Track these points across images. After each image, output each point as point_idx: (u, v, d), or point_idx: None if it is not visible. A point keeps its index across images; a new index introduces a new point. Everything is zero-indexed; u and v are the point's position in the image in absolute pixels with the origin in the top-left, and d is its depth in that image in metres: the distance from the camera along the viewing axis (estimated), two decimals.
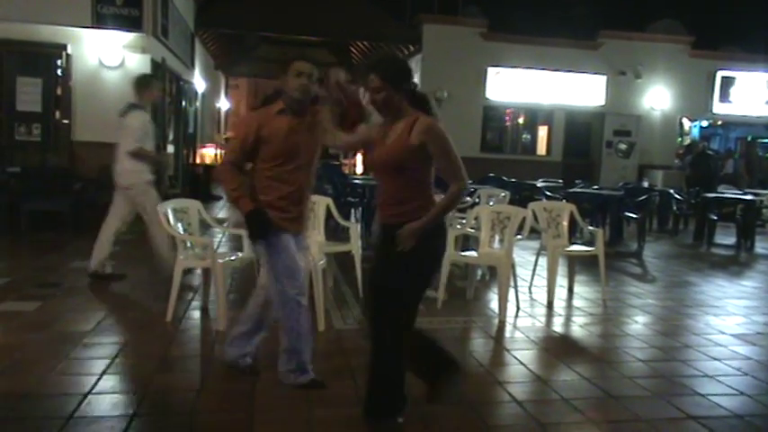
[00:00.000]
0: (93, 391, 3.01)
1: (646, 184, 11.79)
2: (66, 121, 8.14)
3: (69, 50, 8.07)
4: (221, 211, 10.76)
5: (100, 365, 3.35)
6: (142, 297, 4.81)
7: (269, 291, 3.07)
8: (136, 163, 5.09)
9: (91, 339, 3.77)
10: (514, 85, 13.58)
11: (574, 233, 6.75)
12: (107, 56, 8.19)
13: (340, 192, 8.43)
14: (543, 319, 4.74)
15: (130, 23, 8.03)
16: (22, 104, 8.02)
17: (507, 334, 4.33)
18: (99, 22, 7.90)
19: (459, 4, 14.17)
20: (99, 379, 3.17)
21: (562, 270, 5.71)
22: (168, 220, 4.14)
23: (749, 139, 16.85)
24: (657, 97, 14.26)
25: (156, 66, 8.75)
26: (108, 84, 8.27)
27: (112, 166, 5.31)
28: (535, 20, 14.40)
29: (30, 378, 3.14)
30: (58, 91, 8.15)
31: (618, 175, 13.41)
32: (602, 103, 14.01)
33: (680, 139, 15.72)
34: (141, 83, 5.23)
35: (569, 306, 5.19)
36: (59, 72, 8.12)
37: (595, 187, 10.46)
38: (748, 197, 9.30)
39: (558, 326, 4.65)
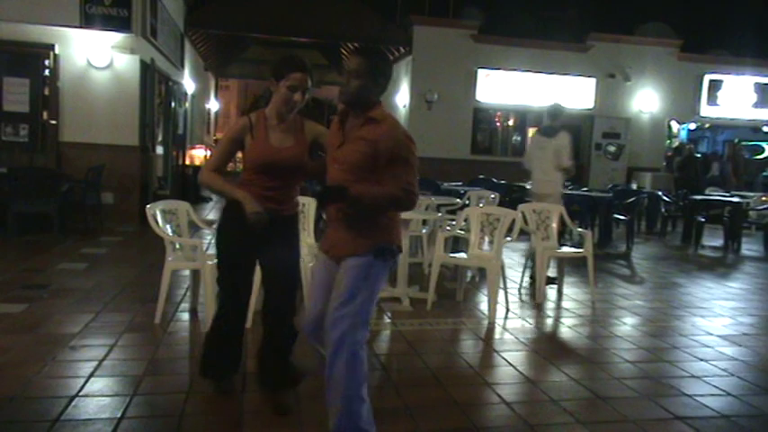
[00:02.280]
0: (81, 394, 2.99)
1: (634, 187, 11.88)
2: (53, 122, 8.08)
3: (57, 50, 8.01)
4: (210, 212, 10.72)
5: (87, 368, 3.32)
6: (130, 299, 4.77)
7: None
8: (559, 176, 5.83)
9: (78, 341, 3.74)
10: (504, 88, 13.63)
11: (563, 235, 6.79)
12: (95, 56, 8.14)
13: None
14: (532, 321, 4.76)
15: (119, 24, 7.98)
16: (8, 104, 7.94)
17: (496, 335, 4.35)
18: (87, 22, 7.84)
19: (450, 6, 14.21)
20: (86, 381, 3.14)
21: (551, 272, 5.74)
22: (157, 222, 4.12)
23: (736, 141, 17.04)
24: (646, 100, 14.37)
25: (145, 66, 8.70)
26: (96, 84, 8.22)
27: (537, 177, 5.98)
28: (525, 22, 14.46)
29: (16, 381, 3.11)
30: (46, 91, 8.09)
31: (607, 178, 13.49)
32: (592, 105, 14.09)
33: (668, 141, 15.86)
34: (558, 111, 6.02)
35: (558, 307, 5.21)
36: (47, 72, 8.05)
37: (584, 189, 10.52)
38: (735, 199, 9.40)
39: (547, 327, 4.68)
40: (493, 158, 13.86)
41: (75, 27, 7.87)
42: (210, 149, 16.91)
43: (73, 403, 2.88)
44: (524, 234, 5.37)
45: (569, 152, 5.78)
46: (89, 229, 7.69)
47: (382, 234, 2.46)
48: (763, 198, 10.57)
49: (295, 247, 2.95)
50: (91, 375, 3.22)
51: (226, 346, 2.98)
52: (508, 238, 4.86)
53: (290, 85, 2.67)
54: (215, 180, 2.77)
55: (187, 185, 11.57)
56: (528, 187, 6.15)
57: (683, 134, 17.67)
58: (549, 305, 5.22)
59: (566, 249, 5.68)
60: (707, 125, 16.85)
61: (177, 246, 4.32)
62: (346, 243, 2.45)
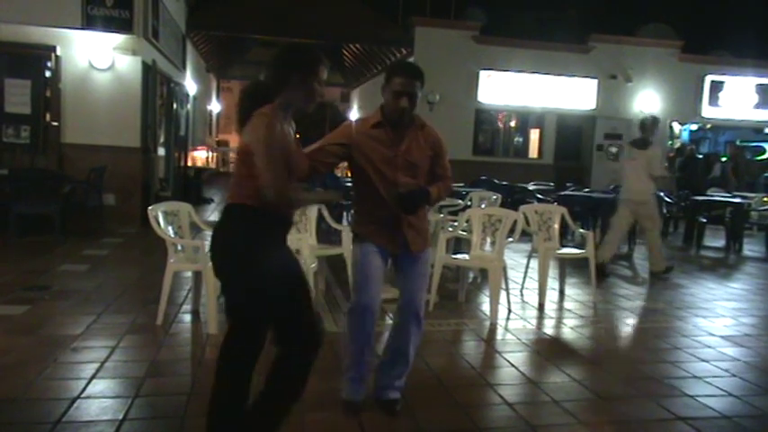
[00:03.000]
0: (82, 396, 2.99)
1: None
2: (55, 123, 8.09)
3: (59, 52, 8.02)
4: (212, 214, 10.73)
5: (89, 369, 3.32)
6: (132, 300, 4.78)
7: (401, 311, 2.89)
8: (651, 184, 6.46)
9: (80, 343, 3.74)
10: (506, 89, 13.63)
11: (565, 236, 6.79)
12: (97, 58, 8.15)
13: None
14: (534, 322, 4.75)
15: (121, 25, 7.98)
16: (10, 106, 7.96)
17: (498, 336, 4.35)
18: (89, 23, 7.85)
19: (452, 7, 14.23)
20: (88, 383, 3.14)
21: (553, 272, 5.73)
22: (159, 223, 4.12)
23: (737, 142, 17.01)
24: (647, 101, 14.36)
25: (147, 68, 8.72)
26: (98, 86, 8.22)
27: (629, 185, 6.60)
28: (526, 23, 14.49)
29: (17, 382, 3.11)
30: (48, 93, 8.10)
31: (609, 178, 13.46)
32: (593, 106, 14.09)
33: (670, 142, 15.85)
34: (650, 124, 6.55)
35: (560, 308, 5.21)
36: (48, 74, 8.06)
37: (586, 190, 10.51)
38: (737, 200, 9.38)
39: (548, 328, 4.67)
40: (495, 159, 13.86)
41: (77, 28, 7.87)
42: (213, 150, 16.84)
43: (75, 405, 2.89)
44: (526, 235, 5.37)
45: (661, 163, 6.43)
46: (91, 230, 7.69)
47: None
48: (765, 199, 10.56)
49: None
50: (93, 377, 3.23)
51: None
52: (510, 240, 4.85)
53: (321, 80, 2.40)
54: (302, 192, 2.40)
55: (189, 187, 11.58)
56: (621, 195, 6.83)
57: (685, 135, 17.65)
58: (551, 306, 5.22)
59: (567, 250, 5.67)
60: (708, 126, 16.82)
61: (179, 247, 4.32)
62: (422, 239, 2.88)
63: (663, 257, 6.72)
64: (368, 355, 2.92)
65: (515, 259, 6.86)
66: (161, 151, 10.05)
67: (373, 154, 2.73)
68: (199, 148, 15.97)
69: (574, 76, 13.85)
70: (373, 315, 2.81)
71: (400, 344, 2.89)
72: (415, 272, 2.85)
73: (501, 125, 14.45)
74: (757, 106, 14.97)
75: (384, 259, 2.84)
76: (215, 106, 20.95)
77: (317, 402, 2.97)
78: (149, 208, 4.21)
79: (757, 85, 14.83)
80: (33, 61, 8.06)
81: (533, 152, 14.49)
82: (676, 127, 16.39)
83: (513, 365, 3.72)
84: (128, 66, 8.31)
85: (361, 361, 2.88)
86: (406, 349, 2.89)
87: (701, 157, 13.71)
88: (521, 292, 5.56)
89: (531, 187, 10.61)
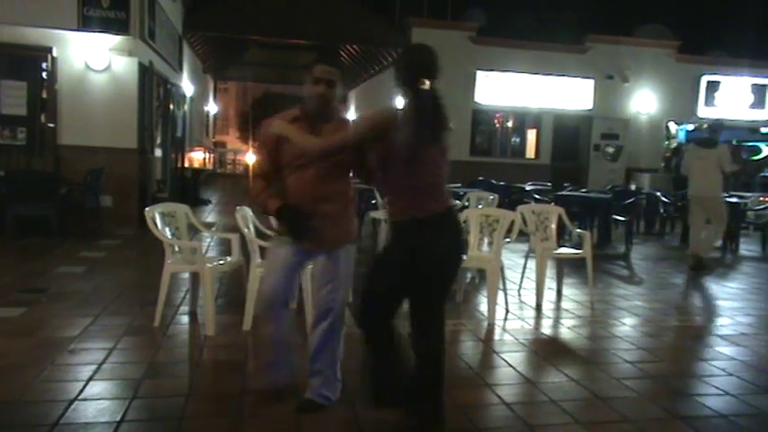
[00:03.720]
0: (80, 398, 2.99)
1: (633, 187, 11.89)
2: (51, 125, 8.07)
3: (55, 53, 8.00)
4: (209, 215, 10.72)
5: (86, 371, 3.31)
6: (129, 302, 4.77)
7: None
8: (722, 181, 6.95)
9: (77, 345, 3.73)
10: (503, 89, 13.66)
11: (562, 236, 6.80)
12: (93, 59, 8.13)
13: None
14: (532, 322, 4.76)
15: (117, 26, 7.97)
16: (6, 108, 7.93)
17: (496, 336, 4.35)
18: (85, 24, 7.83)
19: (449, 8, 14.25)
20: (85, 385, 3.14)
21: (550, 273, 5.74)
22: (156, 224, 4.12)
23: (734, 142, 17.06)
24: (644, 101, 14.41)
25: (144, 69, 8.70)
26: (94, 87, 8.21)
27: (699, 183, 7.03)
28: (523, 24, 14.49)
29: (14, 385, 3.10)
30: (44, 94, 8.08)
31: (606, 179, 13.52)
32: (590, 106, 14.12)
33: (666, 142, 15.89)
34: (719, 127, 7.34)
35: (558, 308, 5.21)
36: (45, 75, 8.04)
37: (583, 190, 10.53)
38: (733, 200, 9.40)
39: (546, 328, 4.68)
40: (492, 160, 13.88)
41: (73, 30, 7.85)
42: (210, 151, 16.81)
43: (72, 407, 2.88)
44: (523, 235, 5.38)
45: (730, 159, 6.97)
46: (88, 232, 7.68)
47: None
48: (761, 198, 10.60)
49: None
50: (90, 379, 3.22)
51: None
52: (507, 240, 4.86)
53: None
54: None
55: (186, 188, 11.56)
56: (689, 192, 7.28)
57: (681, 135, 17.70)
58: (549, 306, 5.23)
59: (565, 250, 5.68)
60: (705, 126, 16.87)
61: (176, 248, 4.32)
62: (339, 235, 2.78)
63: (709, 250, 7.09)
64: (285, 351, 2.79)
65: (513, 259, 6.87)
66: (158, 152, 10.04)
67: (288, 147, 2.66)
68: (196, 149, 15.96)
69: (571, 76, 13.88)
70: (279, 306, 2.70)
71: (315, 341, 2.82)
72: (326, 269, 2.77)
73: (498, 126, 14.48)
74: (753, 106, 15.03)
75: (299, 253, 2.74)
76: (212, 107, 20.94)
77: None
78: (146, 209, 4.20)
79: (753, 84, 14.88)
80: (29, 62, 8.04)
81: (530, 152, 14.51)
82: (673, 127, 16.44)
83: (510, 365, 3.72)
84: (124, 67, 8.30)
85: (281, 361, 2.78)
86: (319, 347, 2.81)
87: None
88: (518, 292, 5.57)
89: (528, 187, 10.63)
